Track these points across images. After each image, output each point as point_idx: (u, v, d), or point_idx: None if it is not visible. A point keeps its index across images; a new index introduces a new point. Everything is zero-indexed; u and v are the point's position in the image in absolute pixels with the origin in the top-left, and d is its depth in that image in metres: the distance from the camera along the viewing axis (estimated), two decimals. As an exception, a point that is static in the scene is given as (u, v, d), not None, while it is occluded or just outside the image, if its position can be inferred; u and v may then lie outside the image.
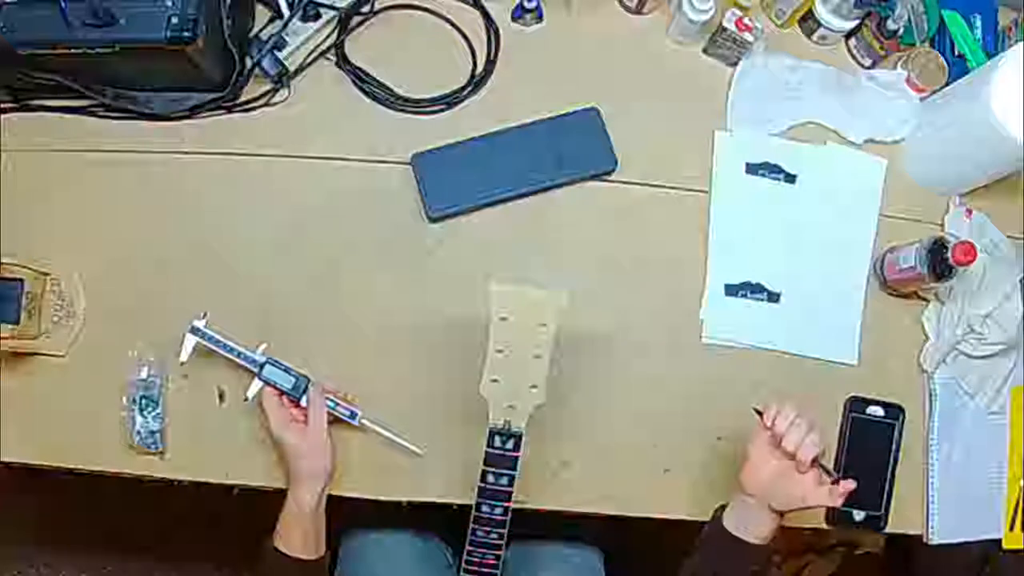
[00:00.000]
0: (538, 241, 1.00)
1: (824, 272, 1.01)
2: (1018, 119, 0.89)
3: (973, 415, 1.01)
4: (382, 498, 0.93)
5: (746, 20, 0.99)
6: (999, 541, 0.99)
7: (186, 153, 0.98)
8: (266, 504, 0.88)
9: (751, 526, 0.79)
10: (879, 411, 0.99)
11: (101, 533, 1.64)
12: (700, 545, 0.83)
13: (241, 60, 0.96)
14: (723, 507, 0.83)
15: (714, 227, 1.01)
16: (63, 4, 0.83)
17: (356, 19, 1.03)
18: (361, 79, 1.01)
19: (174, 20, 0.84)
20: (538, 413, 0.80)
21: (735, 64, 1.05)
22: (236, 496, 0.95)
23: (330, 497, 0.88)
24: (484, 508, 0.83)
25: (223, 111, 0.99)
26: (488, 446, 0.80)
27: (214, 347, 0.89)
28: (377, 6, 1.03)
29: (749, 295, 1.01)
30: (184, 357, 0.89)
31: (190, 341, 0.88)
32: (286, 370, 0.89)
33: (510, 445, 0.80)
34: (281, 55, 0.99)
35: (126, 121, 0.98)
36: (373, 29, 1.04)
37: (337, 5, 1.01)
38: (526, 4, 1.02)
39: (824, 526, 0.97)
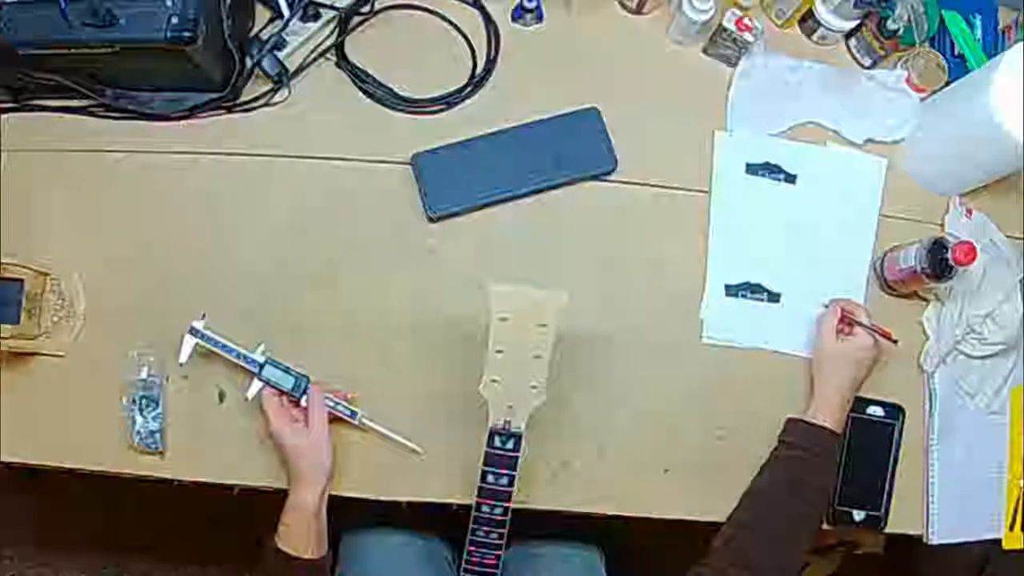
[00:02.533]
0: (538, 241, 1.00)
1: (824, 272, 1.01)
2: (1018, 119, 0.89)
3: (973, 415, 1.01)
4: (382, 498, 0.93)
5: (746, 20, 0.99)
6: (999, 541, 0.99)
7: (186, 153, 0.98)
8: (266, 504, 0.88)
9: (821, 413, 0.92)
10: (879, 411, 0.99)
11: (101, 533, 1.64)
12: (767, 467, 0.92)
13: (241, 60, 0.96)
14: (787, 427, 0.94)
15: (714, 227, 1.01)
16: (63, 4, 0.83)
17: (356, 19, 1.03)
18: (361, 79, 1.01)
19: (174, 20, 0.84)
20: (538, 413, 0.80)
21: (735, 64, 1.05)
22: (236, 496, 0.95)
23: (330, 497, 0.88)
24: (484, 508, 0.83)
25: (223, 111, 0.99)
26: (488, 446, 0.81)
27: (213, 348, 0.89)
28: (377, 6, 1.03)
29: (749, 295, 1.01)
30: (183, 358, 0.89)
31: (189, 342, 0.88)
32: (286, 370, 0.89)
33: (510, 445, 0.80)
34: (281, 55, 0.99)
35: (126, 121, 0.98)
36: (373, 29, 1.04)
37: (337, 5, 1.01)
38: (526, 4, 1.02)
39: (824, 526, 0.97)
